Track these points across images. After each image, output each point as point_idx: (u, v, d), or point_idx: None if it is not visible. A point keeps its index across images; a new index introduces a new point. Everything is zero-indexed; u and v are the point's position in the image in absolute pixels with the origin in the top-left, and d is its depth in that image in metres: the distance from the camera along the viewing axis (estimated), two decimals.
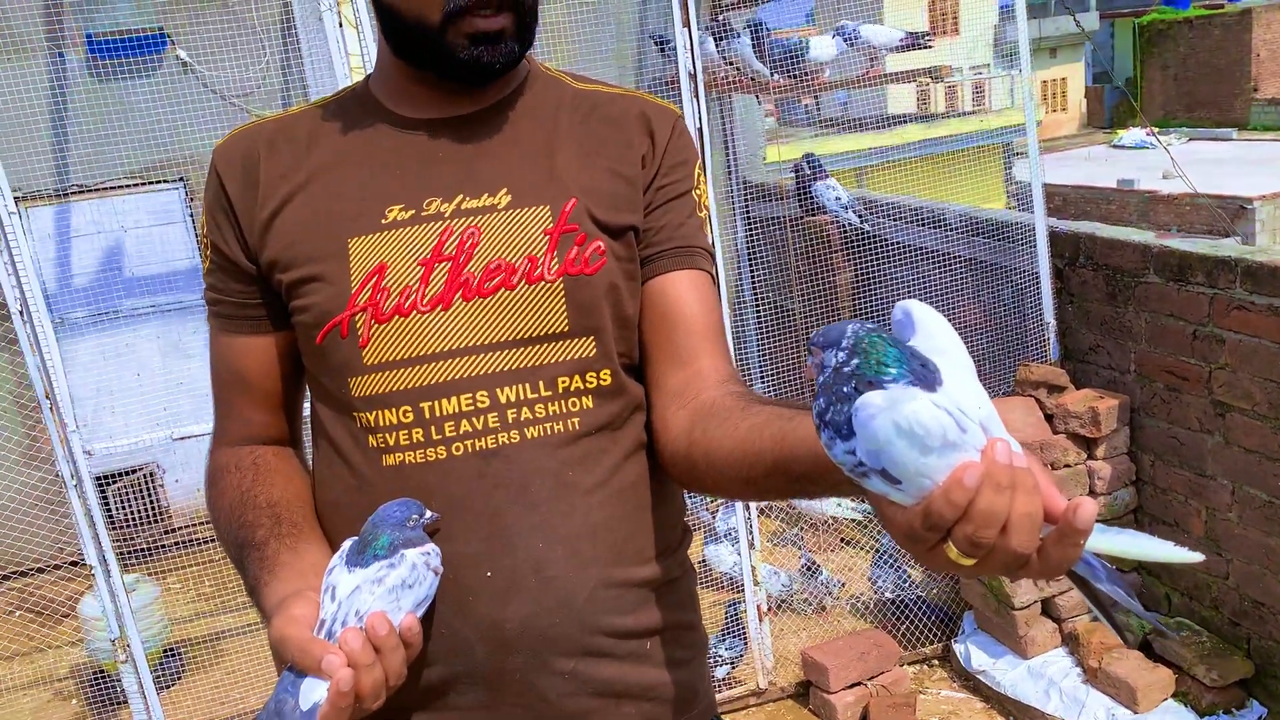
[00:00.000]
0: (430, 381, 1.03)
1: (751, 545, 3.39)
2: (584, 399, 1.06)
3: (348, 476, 1.07)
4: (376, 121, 1.11)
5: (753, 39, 4.15)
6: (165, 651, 3.95)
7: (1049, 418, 3.43)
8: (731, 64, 4.19)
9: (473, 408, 1.03)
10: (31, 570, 4.66)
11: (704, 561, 3.96)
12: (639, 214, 1.11)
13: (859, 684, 3.32)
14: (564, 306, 1.05)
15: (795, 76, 4.18)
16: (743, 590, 3.45)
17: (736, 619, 3.51)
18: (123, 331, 4.90)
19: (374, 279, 1.03)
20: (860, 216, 4.22)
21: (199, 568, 4.59)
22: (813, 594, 3.92)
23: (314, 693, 0.87)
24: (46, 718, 3.97)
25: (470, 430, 1.03)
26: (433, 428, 1.03)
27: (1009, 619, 3.31)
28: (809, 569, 3.95)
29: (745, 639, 3.49)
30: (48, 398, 2.84)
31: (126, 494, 4.51)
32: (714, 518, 4.14)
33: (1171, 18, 27.15)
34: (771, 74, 4.18)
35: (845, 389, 0.72)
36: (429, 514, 0.98)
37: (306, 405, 1.18)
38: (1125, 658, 3.09)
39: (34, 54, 4.46)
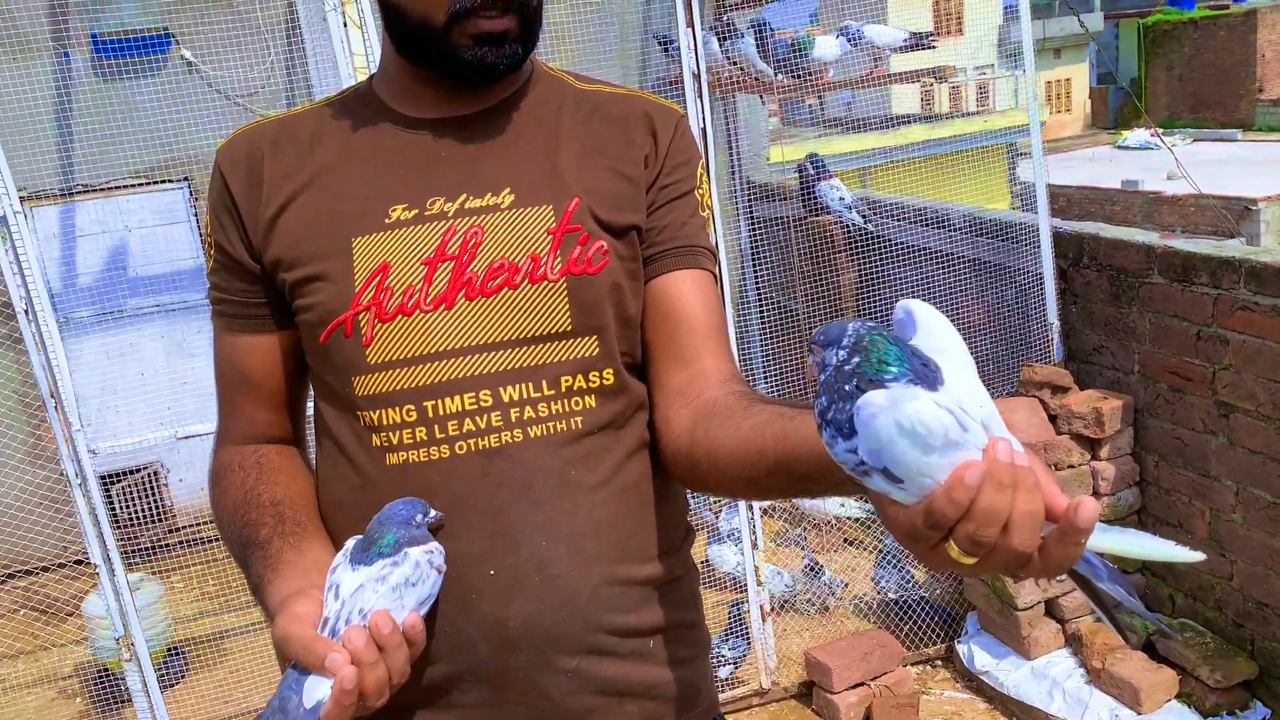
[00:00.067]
0: (433, 380, 1.03)
1: (755, 545, 3.39)
2: (587, 398, 1.06)
3: (351, 475, 1.07)
4: (380, 121, 1.11)
5: (756, 39, 4.15)
6: (169, 650, 3.96)
7: (1053, 418, 3.43)
8: (735, 64, 4.19)
9: (476, 407, 1.03)
10: (36, 569, 4.67)
11: (707, 562, 3.96)
12: (641, 214, 1.11)
13: (862, 684, 3.32)
14: (567, 306, 1.05)
15: (799, 76, 4.17)
16: (746, 590, 3.45)
17: (740, 619, 3.51)
18: (127, 331, 4.91)
19: (377, 278, 1.04)
20: (864, 217, 4.22)
21: (203, 567, 4.61)
22: (816, 594, 3.92)
23: (318, 690, 0.87)
24: (51, 716, 3.98)
25: (473, 429, 1.03)
26: (436, 427, 1.03)
27: (1012, 620, 3.31)
28: (812, 569, 3.95)
29: (748, 639, 3.49)
30: (53, 397, 2.84)
31: (130, 493, 4.51)
32: (717, 518, 4.15)
33: (1176, 18, 27.09)
34: (775, 74, 4.18)
35: (847, 387, 0.73)
36: (434, 513, 0.99)
37: (310, 404, 1.18)
38: (1129, 659, 3.08)
39: (39, 53, 4.47)
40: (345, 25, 2.87)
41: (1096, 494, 3.36)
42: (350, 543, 0.97)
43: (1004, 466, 0.70)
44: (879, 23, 4.41)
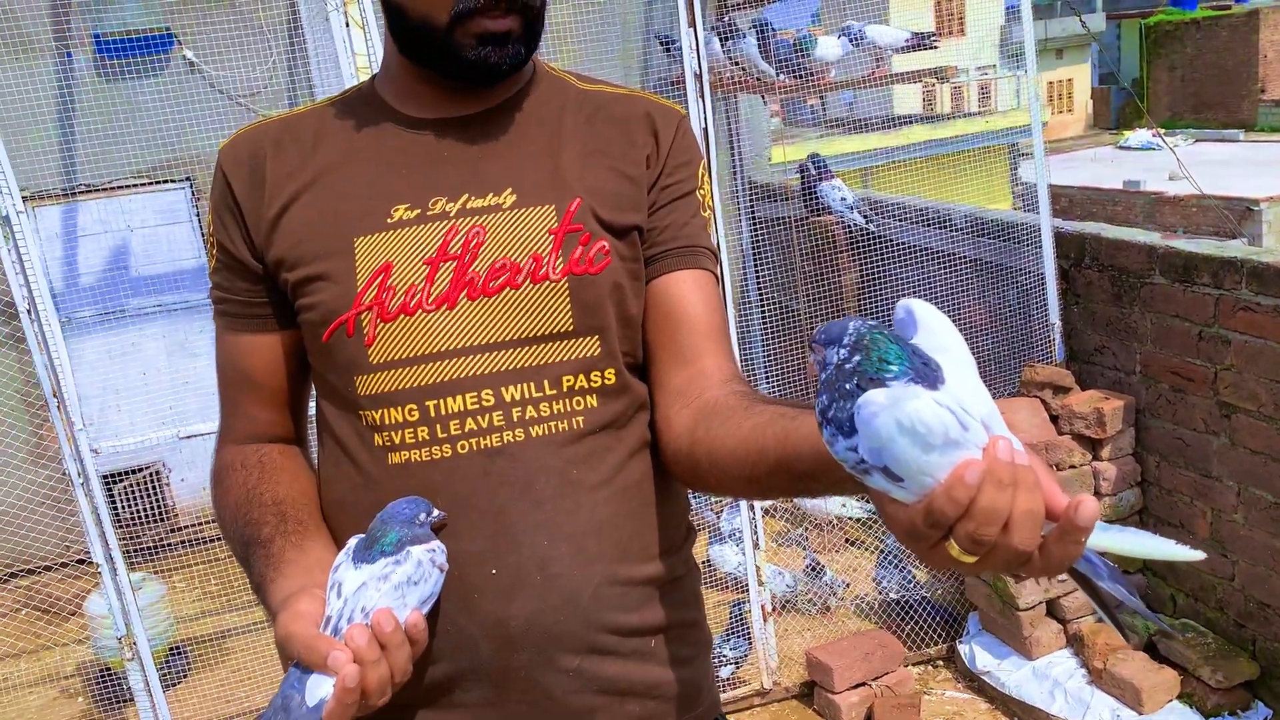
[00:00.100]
0: (436, 380, 1.04)
1: (756, 545, 3.39)
2: (588, 398, 1.07)
3: (353, 475, 1.07)
4: (382, 121, 1.11)
5: (758, 39, 4.15)
6: (171, 649, 3.96)
7: (1054, 419, 3.43)
8: (737, 64, 4.20)
9: (478, 406, 1.03)
10: (38, 568, 4.68)
11: (708, 562, 3.96)
12: (643, 214, 1.11)
13: (864, 684, 3.32)
14: (569, 306, 1.05)
15: (801, 77, 4.18)
16: (747, 590, 3.45)
17: (741, 619, 3.52)
18: (129, 330, 4.92)
19: (380, 278, 1.04)
20: (865, 217, 4.22)
21: (204, 566, 4.61)
22: (817, 594, 3.92)
23: (320, 689, 0.88)
24: (53, 715, 3.99)
25: (475, 428, 1.03)
26: (438, 426, 1.03)
27: (1014, 620, 3.30)
28: (813, 569, 3.95)
29: (750, 639, 3.49)
30: (55, 396, 2.85)
31: (132, 492, 4.52)
32: (719, 518, 4.15)
33: (1178, 18, 27.06)
34: (777, 74, 4.19)
35: (847, 386, 0.73)
36: (436, 512, 0.99)
37: (312, 404, 1.19)
38: (1130, 659, 3.08)
39: (42, 54, 4.47)
40: (347, 25, 2.87)
41: (1098, 494, 3.36)
42: (353, 541, 0.97)
43: (1004, 465, 0.70)
44: (881, 23, 4.41)
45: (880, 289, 4.12)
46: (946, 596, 3.71)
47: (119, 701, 3.76)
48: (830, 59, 4.16)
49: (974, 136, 5.44)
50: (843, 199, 4.26)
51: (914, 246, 4.07)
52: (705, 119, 3.18)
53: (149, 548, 4.53)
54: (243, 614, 4.25)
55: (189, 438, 3.07)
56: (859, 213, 4.23)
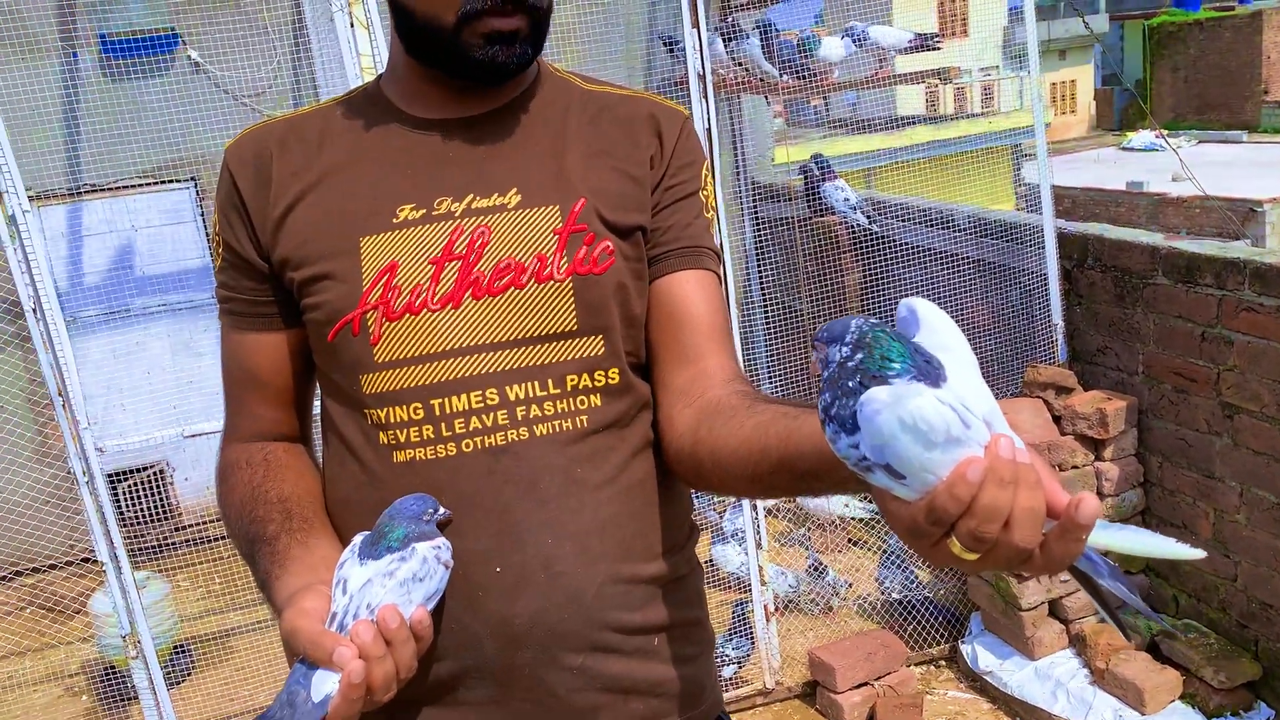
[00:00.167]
0: (440, 379, 1.04)
1: (759, 545, 3.39)
2: (592, 397, 1.07)
3: (358, 473, 1.08)
4: (388, 121, 1.12)
5: (762, 40, 4.15)
6: (175, 648, 3.97)
7: (1057, 419, 3.43)
8: (740, 65, 4.20)
9: (482, 405, 1.04)
10: (43, 566, 4.69)
11: (711, 561, 3.96)
12: (647, 214, 1.12)
13: (866, 684, 3.32)
14: (573, 306, 1.05)
15: (804, 77, 4.18)
16: (750, 590, 3.45)
17: (743, 619, 3.52)
18: (134, 330, 4.93)
19: (385, 277, 1.04)
20: (869, 217, 4.23)
21: (209, 565, 4.62)
22: (820, 594, 3.93)
23: (325, 685, 0.88)
24: (58, 713, 4.00)
25: (480, 427, 1.04)
26: (443, 425, 1.04)
27: (1016, 620, 3.31)
28: (816, 569, 3.95)
29: (752, 639, 3.49)
30: (60, 395, 2.85)
31: (137, 491, 4.53)
32: (721, 518, 4.15)
33: (1181, 20, 27.02)
34: (780, 75, 4.19)
35: (850, 384, 0.73)
36: (442, 510, 0.99)
37: (317, 402, 1.19)
38: (1133, 659, 3.08)
39: (48, 54, 4.49)
40: (352, 26, 2.88)
41: (1100, 495, 3.36)
42: (358, 538, 0.98)
43: (1006, 463, 0.70)
44: (884, 24, 4.42)
45: (883, 289, 4.12)
46: (949, 597, 3.71)
47: (123, 700, 3.77)
48: (833, 60, 4.17)
49: (977, 137, 5.44)
50: (846, 199, 4.27)
51: (917, 247, 4.07)
52: (708, 119, 3.18)
53: (153, 546, 4.54)
54: (246, 612, 4.25)
55: (193, 437, 3.08)
56: (862, 213, 4.23)
